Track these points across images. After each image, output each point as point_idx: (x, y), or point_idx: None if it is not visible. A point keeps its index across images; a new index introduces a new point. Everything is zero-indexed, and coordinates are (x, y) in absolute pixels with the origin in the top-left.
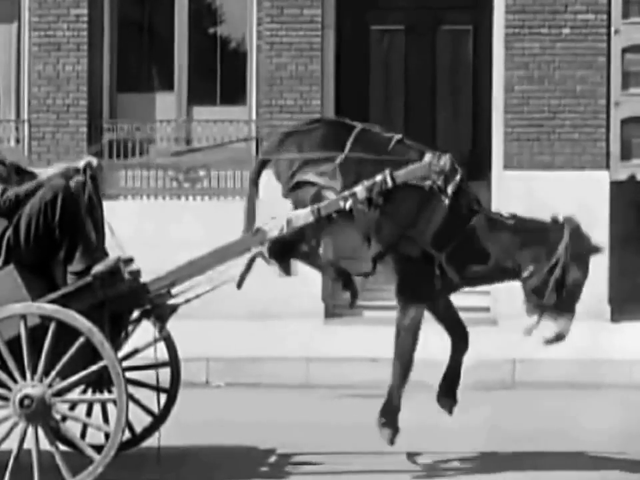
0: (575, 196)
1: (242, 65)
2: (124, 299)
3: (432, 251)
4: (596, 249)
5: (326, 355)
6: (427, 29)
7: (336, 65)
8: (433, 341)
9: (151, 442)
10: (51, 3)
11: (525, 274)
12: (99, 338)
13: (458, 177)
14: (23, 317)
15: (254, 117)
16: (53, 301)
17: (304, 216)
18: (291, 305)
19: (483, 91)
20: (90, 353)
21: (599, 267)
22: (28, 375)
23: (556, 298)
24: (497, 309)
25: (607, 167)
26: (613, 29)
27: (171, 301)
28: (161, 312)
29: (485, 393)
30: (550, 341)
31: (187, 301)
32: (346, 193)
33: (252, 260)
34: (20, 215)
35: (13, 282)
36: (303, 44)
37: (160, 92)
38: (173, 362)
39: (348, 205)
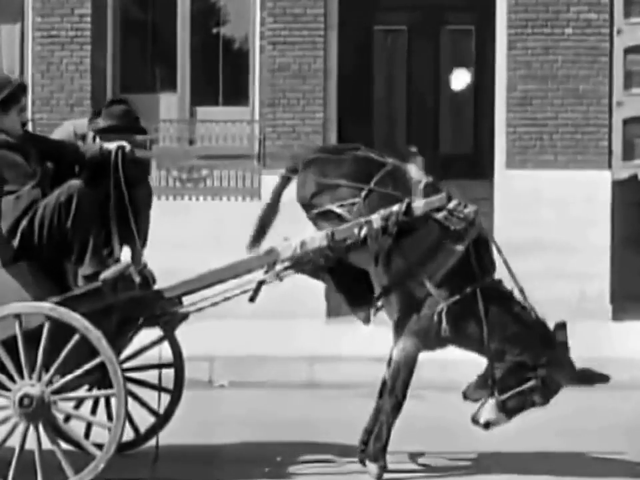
0: (577, 195)
1: (245, 65)
2: (134, 305)
3: (437, 296)
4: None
5: (330, 354)
6: (430, 29)
7: (339, 65)
8: None
9: (154, 442)
10: (55, 3)
11: (502, 365)
12: (95, 335)
13: (478, 231)
14: (18, 316)
15: (257, 116)
16: (59, 303)
17: (318, 239)
18: (294, 304)
19: (486, 91)
20: (91, 352)
21: (601, 266)
22: (25, 374)
23: (510, 400)
24: None
25: (609, 166)
26: (615, 29)
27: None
28: (170, 319)
29: None
30: (478, 424)
31: (200, 309)
32: (362, 219)
33: (262, 282)
34: (35, 211)
35: (23, 280)
36: (306, 44)
37: (163, 92)
38: (177, 362)
39: (363, 232)
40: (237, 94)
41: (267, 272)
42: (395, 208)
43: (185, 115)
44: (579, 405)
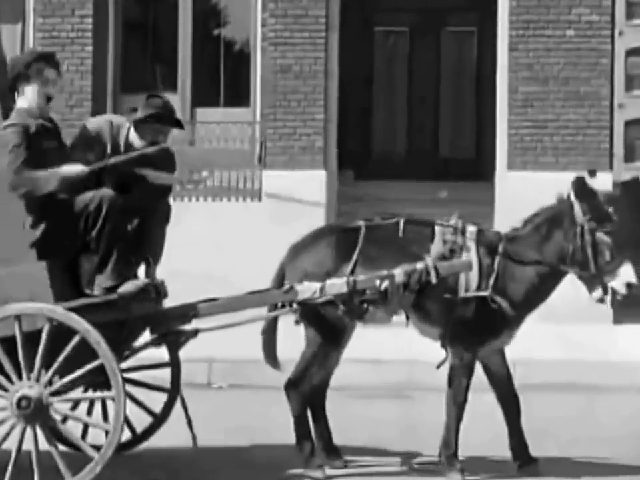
0: None
1: (246, 66)
2: (145, 321)
3: (478, 293)
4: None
5: None
6: (431, 31)
7: (340, 66)
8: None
9: (151, 442)
10: (56, 4)
11: (568, 261)
12: (95, 337)
13: (474, 228)
14: (18, 317)
15: (258, 118)
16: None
17: (338, 286)
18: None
19: (487, 92)
20: (91, 353)
21: None
22: (24, 375)
23: (597, 258)
24: None
25: (610, 168)
26: (617, 31)
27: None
28: (175, 338)
29: (484, 394)
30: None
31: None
32: (384, 272)
33: (277, 317)
34: (61, 201)
35: (39, 280)
36: (307, 45)
37: (163, 93)
38: (174, 362)
39: (384, 285)
40: (238, 95)
41: (282, 307)
42: (419, 266)
43: (185, 116)
44: (578, 408)
